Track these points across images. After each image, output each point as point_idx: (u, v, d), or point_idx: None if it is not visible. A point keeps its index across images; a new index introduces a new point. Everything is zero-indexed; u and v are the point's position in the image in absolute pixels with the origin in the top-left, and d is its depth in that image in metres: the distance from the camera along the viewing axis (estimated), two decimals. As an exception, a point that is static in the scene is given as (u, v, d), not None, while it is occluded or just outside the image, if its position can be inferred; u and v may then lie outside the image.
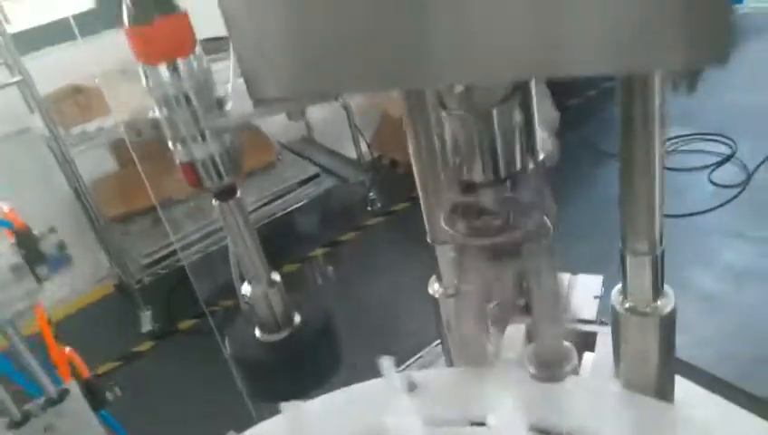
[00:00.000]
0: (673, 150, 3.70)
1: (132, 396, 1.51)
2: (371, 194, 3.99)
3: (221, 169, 0.74)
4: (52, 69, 3.18)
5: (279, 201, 3.54)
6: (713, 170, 3.56)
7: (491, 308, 1.05)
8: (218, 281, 2.95)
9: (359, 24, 0.60)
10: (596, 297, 1.19)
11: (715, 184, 3.48)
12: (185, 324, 3.39)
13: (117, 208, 3.43)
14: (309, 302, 0.88)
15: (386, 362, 0.83)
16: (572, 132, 3.95)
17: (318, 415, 0.79)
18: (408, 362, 1.35)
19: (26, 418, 1.10)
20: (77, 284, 3.64)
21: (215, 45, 3.51)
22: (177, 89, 0.69)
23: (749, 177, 3.45)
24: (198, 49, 0.70)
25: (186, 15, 0.69)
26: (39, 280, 1.11)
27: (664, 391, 0.89)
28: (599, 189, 3.30)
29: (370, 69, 0.62)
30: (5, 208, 1.15)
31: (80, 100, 3.12)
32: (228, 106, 0.72)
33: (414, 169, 0.96)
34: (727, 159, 3.63)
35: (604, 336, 1.06)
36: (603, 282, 1.25)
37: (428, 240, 1.09)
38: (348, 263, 3.65)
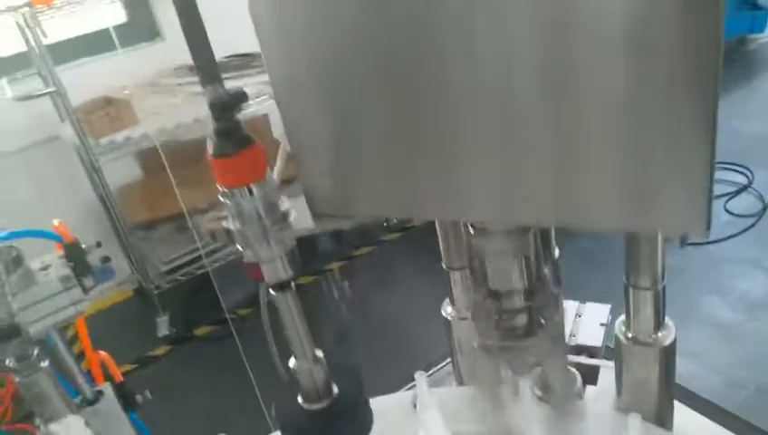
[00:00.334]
0: (689, 178, 3.70)
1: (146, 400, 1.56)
2: (388, 210, 4.03)
3: (281, 268, 0.86)
4: (85, 80, 3.29)
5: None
6: (729, 199, 3.56)
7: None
8: (236, 290, 3.03)
9: (399, 170, 0.74)
10: (602, 325, 1.23)
11: (730, 213, 3.48)
12: (201, 331, 3.45)
13: (140, 215, 3.52)
14: (343, 367, 1.00)
15: (419, 377, 0.92)
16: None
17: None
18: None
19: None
20: (98, 286, 3.72)
21: (242, 61, 3.56)
22: (251, 207, 0.80)
23: (765, 207, 3.46)
24: (268, 172, 0.81)
25: (260, 147, 0.80)
26: (85, 290, 1.20)
27: (663, 418, 0.93)
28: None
29: (406, 201, 0.77)
30: (56, 223, 1.23)
31: (110, 111, 3.22)
32: (291, 218, 0.83)
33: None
34: (744, 188, 3.63)
35: (607, 370, 1.10)
36: (611, 310, 1.29)
37: (443, 266, 1.15)
38: (362, 277, 3.70)
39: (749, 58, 5.33)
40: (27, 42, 2.98)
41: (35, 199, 3.46)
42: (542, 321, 0.87)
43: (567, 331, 1.24)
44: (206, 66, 0.77)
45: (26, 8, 2.85)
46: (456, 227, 1.07)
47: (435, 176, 0.72)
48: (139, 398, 1.31)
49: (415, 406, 1.03)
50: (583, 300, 1.30)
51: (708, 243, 3.24)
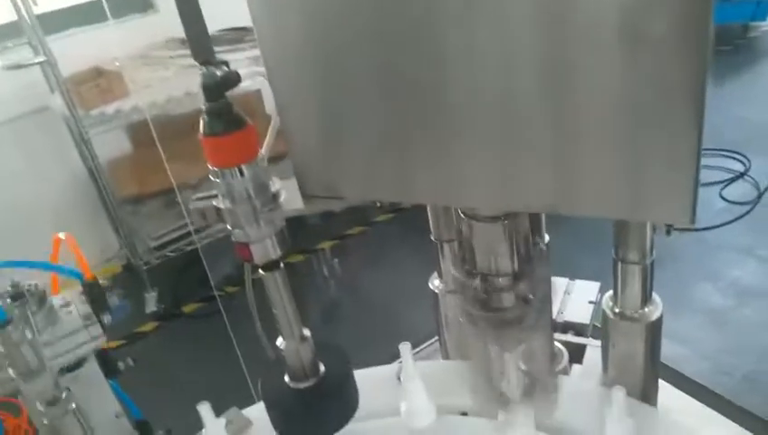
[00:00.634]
0: (686, 164, 3.70)
1: (134, 374, 1.55)
2: (381, 191, 4.02)
3: (270, 248, 0.86)
4: (76, 50, 3.23)
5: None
6: (725, 186, 3.56)
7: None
8: (224, 267, 3.01)
9: (393, 152, 0.74)
10: (591, 302, 1.22)
11: (726, 200, 3.48)
12: (189, 308, 3.44)
13: (129, 190, 3.49)
14: (329, 347, 1.01)
15: (403, 348, 0.92)
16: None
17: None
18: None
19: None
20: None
21: (236, 35, 3.52)
22: (241, 187, 0.80)
23: (760, 195, 3.45)
24: (260, 153, 0.81)
25: (252, 128, 0.80)
26: (104, 328, 1.21)
27: (648, 395, 0.92)
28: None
29: (399, 184, 0.77)
30: (62, 236, 1.24)
31: (101, 83, 3.17)
32: (281, 198, 0.83)
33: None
34: (740, 175, 3.63)
35: (593, 349, 1.09)
36: (600, 288, 1.28)
37: (432, 238, 1.13)
38: (354, 256, 3.69)
39: (751, 46, 5.30)
40: (18, 11, 2.93)
41: (24, 171, 3.43)
42: (530, 296, 0.86)
43: (555, 308, 1.23)
44: (198, 41, 0.76)
45: (16, -25, 2.80)
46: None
47: (428, 160, 0.72)
48: (120, 365, 1.30)
49: (399, 379, 1.02)
50: (573, 277, 1.29)
51: (702, 229, 3.24)
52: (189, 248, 3.36)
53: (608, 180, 0.64)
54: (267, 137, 0.86)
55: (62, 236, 1.26)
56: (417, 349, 1.49)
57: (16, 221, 3.21)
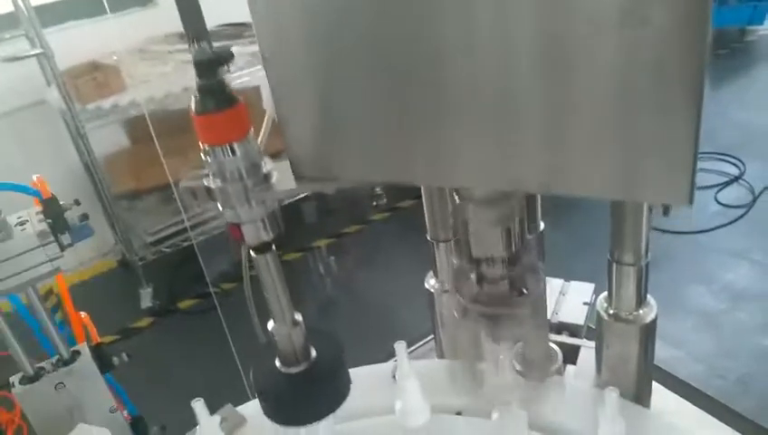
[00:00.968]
0: (682, 167, 3.71)
1: (128, 370, 1.56)
2: (378, 189, 4.03)
3: (262, 230, 0.84)
4: (73, 43, 3.22)
5: (286, 189, 3.57)
6: (719, 190, 3.58)
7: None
8: (221, 265, 3.01)
9: (387, 129, 0.72)
10: (585, 303, 1.22)
11: (720, 204, 3.50)
12: (185, 304, 3.44)
13: (126, 185, 3.48)
14: (322, 333, 0.99)
15: (399, 347, 0.91)
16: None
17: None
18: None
19: (39, 375, 1.16)
20: (81, 256, 3.70)
21: (235, 31, 3.52)
22: (233, 166, 0.79)
23: (754, 199, 3.47)
24: (251, 132, 0.80)
25: (243, 106, 0.78)
26: (62, 247, 1.18)
27: (641, 397, 0.93)
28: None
29: (394, 165, 0.75)
30: (35, 178, 1.21)
31: (98, 77, 3.16)
32: (274, 180, 0.82)
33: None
34: (735, 179, 3.65)
35: (587, 350, 1.09)
36: (595, 290, 1.28)
37: (428, 237, 1.13)
38: (350, 255, 3.70)
39: (748, 49, 5.33)
40: (15, 2, 2.91)
41: (19, 164, 3.41)
42: (524, 291, 0.86)
43: (550, 308, 1.23)
44: (194, 26, 0.75)
45: (13, -33, 2.78)
46: (443, 197, 1.05)
47: (423, 140, 0.71)
48: (115, 360, 1.30)
49: (394, 377, 1.02)
50: (568, 278, 1.29)
51: (697, 232, 3.26)
52: (185, 244, 3.36)
53: (604, 159, 0.63)
54: (263, 129, 0.85)
55: (34, 178, 1.25)
56: (412, 348, 1.49)
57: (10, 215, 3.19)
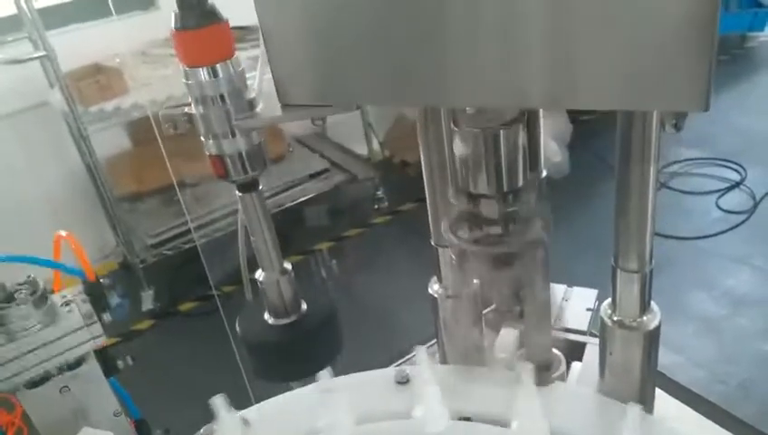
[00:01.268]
0: (684, 173, 3.74)
1: (130, 373, 1.56)
2: (379, 193, 4.03)
3: (247, 163, 0.80)
4: (76, 45, 3.23)
5: (287, 193, 3.58)
6: (721, 195, 3.58)
7: (487, 313, 1.09)
8: (223, 267, 3.01)
9: (383, 44, 0.66)
10: (588, 310, 1.22)
11: (722, 209, 3.50)
12: (186, 306, 3.44)
13: (128, 187, 3.49)
14: (314, 292, 0.93)
15: (419, 350, 0.88)
16: (584, 146, 3.98)
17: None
18: (403, 359, 1.38)
19: (45, 379, 1.17)
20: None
21: (240, 34, 3.54)
22: (215, 90, 0.75)
23: (756, 205, 3.48)
24: (236, 54, 0.76)
25: (227, 24, 0.74)
26: (104, 327, 1.22)
27: (644, 403, 0.93)
28: (606, 203, 3.33)
29: (391, 84, 0.68)
30: (63, 233, 1.24)
31: (100, 79, 3.17)
32: (258, 108, 0.77)
33: (424, 173, 1.00)
34: (736, 185, 3.65)
35: (593, 347, 1.10)
36: (598, 295, 1.28)
37: (432, 242, 1.13)
38: (351, 258, 3.70)
39: (748, 56, 5.34)
40: (18, 4, 2.92)
41: (22, 166, 3.42)
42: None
43: (553, 315, 1.23)
44: None
45: (17, -31, 2.79)
46: (445, 193, 1.03)
47: (420, 56, 0.65)
48: (120, 363, 1.30)
49: (398, 382, 1.02)
50: (570, 284, 1.29)
51: (698, 238, 3.26)
52: (187, 247, 3.36)
53: (617, 66, 0.58)
54: (258, 66, 0.80)
55: (62, 233, 1.26)
56: (413, 353, 1.49)
57: (13, 217, 3.20)
